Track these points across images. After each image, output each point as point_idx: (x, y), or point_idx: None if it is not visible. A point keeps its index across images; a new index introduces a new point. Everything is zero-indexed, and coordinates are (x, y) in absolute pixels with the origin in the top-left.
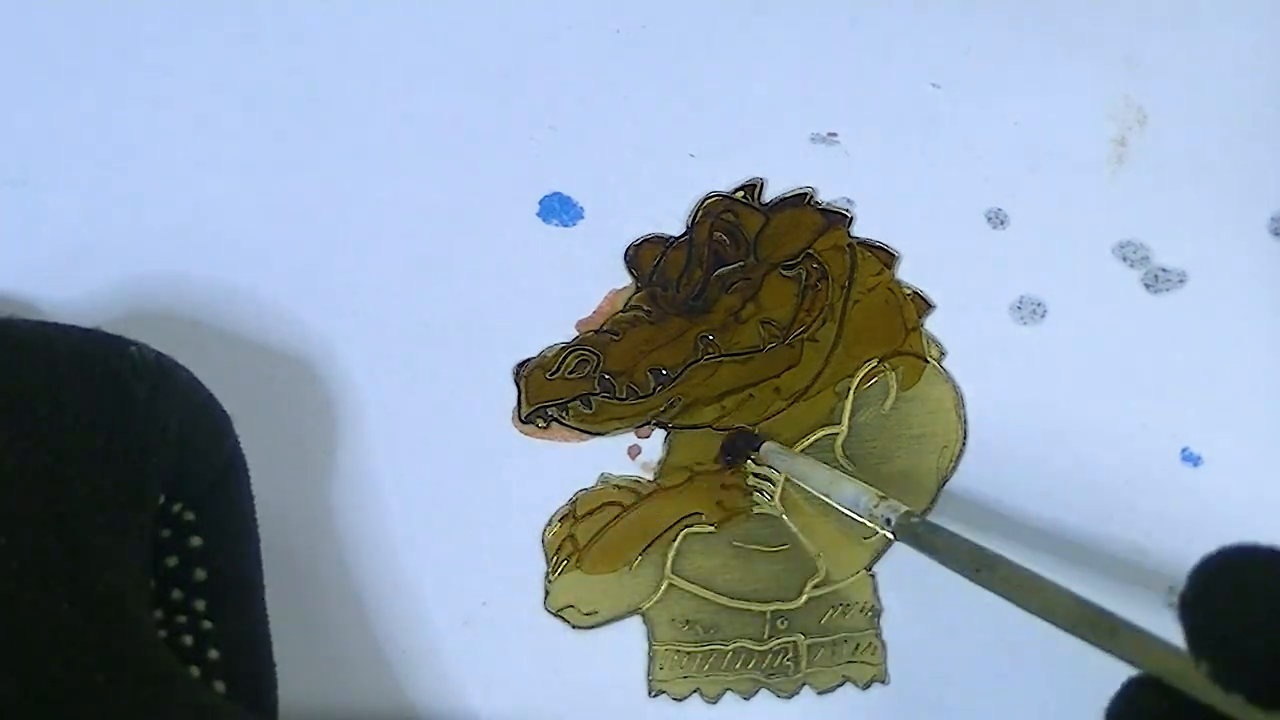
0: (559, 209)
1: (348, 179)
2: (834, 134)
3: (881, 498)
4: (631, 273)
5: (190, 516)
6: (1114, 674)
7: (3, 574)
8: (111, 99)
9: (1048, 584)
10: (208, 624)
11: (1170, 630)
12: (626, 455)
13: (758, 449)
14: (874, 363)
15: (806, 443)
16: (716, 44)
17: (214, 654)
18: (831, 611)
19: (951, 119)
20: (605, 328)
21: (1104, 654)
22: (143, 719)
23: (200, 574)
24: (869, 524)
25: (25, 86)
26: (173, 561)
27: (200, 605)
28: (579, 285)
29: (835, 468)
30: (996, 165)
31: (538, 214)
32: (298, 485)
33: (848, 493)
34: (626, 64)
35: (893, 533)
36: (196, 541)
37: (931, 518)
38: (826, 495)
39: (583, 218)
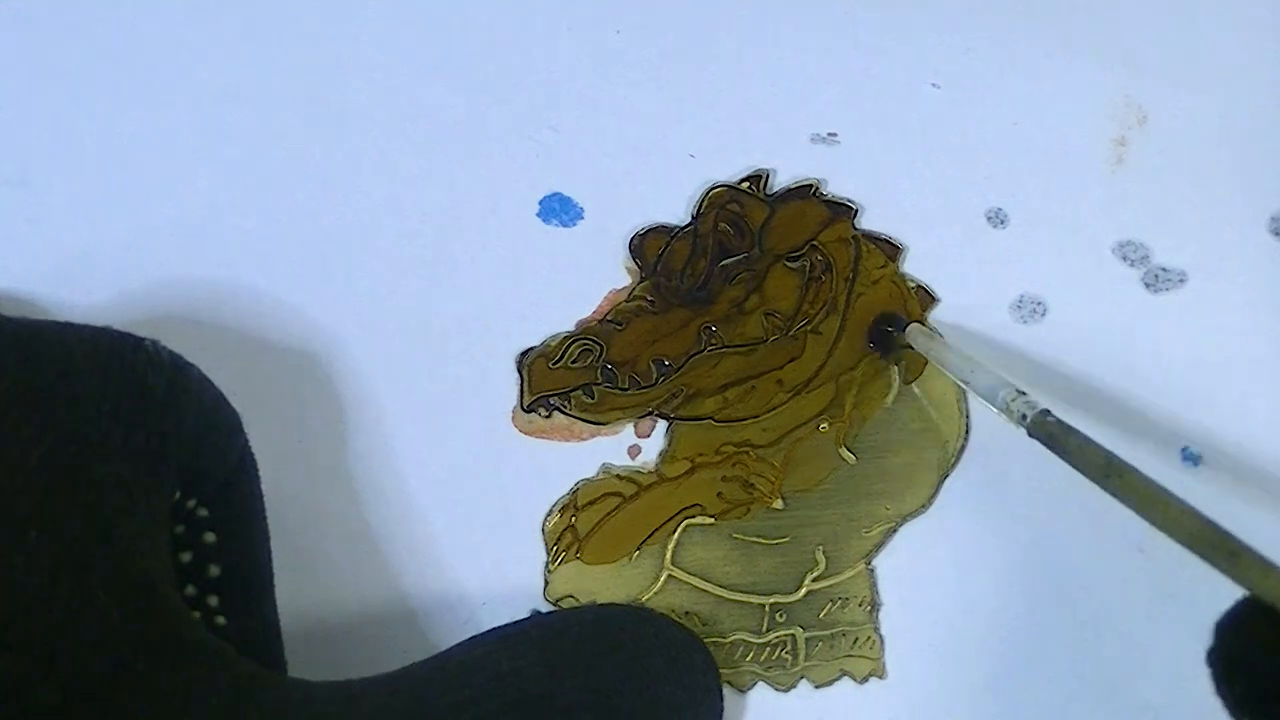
0: (559, 209)
1: (347, 179)
2: (834, 134)
3: (1020, 393)
4: (636, 262)
5: (204, 513)
6: (1114, 673)
7: (37, 568)
8: (112, 99)
9: (1174, 499)
10: (221, 619)
11: None
12: (627, 455)
13: (903, 329)
14: (877, 357)
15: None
16: (717, 44)
17: (231, 650)
18: (830, 605)
19: (951, 119)
20: (609, 318)
21: (1108, 654)
22: (185, 698)
23: (214, 570)
24: (1002, 415)
25: (25, 86)
26: (187, 557)
27: (214, 601)
28: (579, 285)
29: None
30: (996, 165)
31: (538, 214)
32: (298, 484)
33: (985, 383)
34: (626, 64)
35: (1027, 429)
36: (210, 538)
37: (931, 514)
38: (966, 383)
39: (583, 218)
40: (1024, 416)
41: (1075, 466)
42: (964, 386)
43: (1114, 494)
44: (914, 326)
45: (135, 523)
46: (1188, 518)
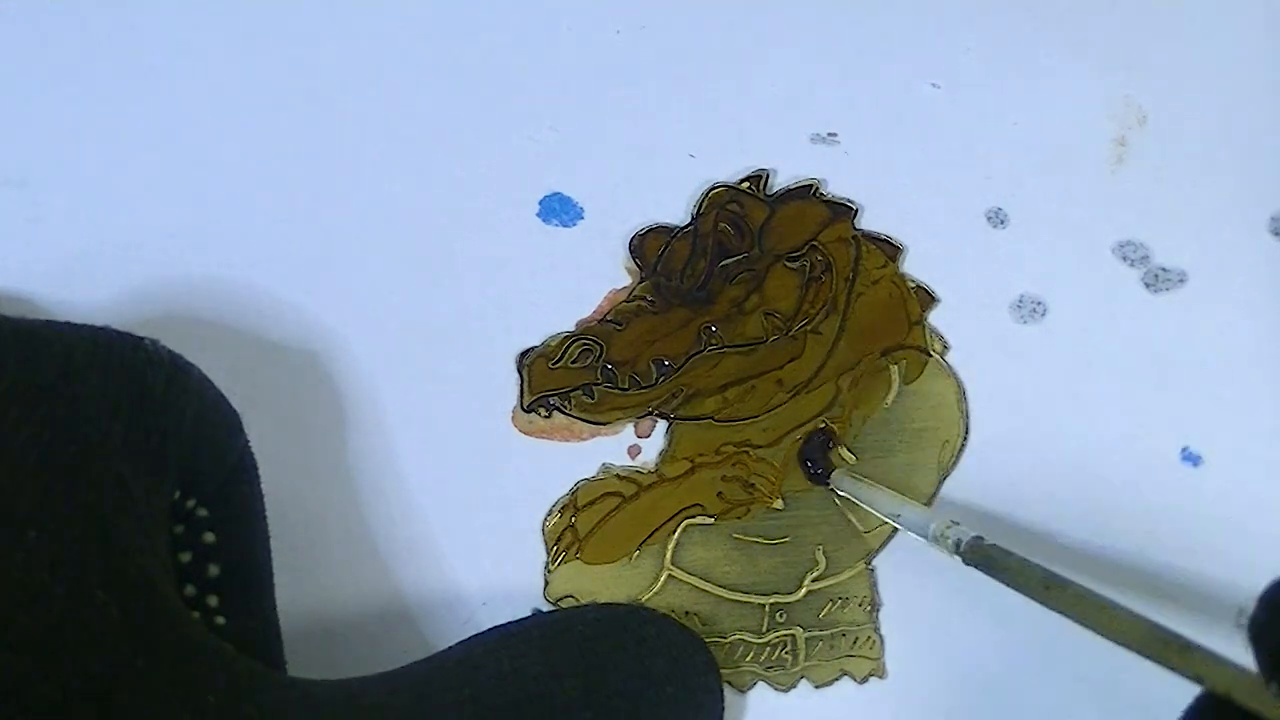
0: (559, 209)
1: (347, 179)
2: (834, 134)
3: (952, 523)
4: (636, 262)
5: (204, 513)
6: (1114, 673)
7: (36, 568)
8: (112, 99)
9: (1118, 607)
10: (221, 619)
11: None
12: (627, 455)
13: (828, 477)
14: (877, 356)
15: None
16: (716, 44)
17: (230, 649)
18: (830, 605)
19: (951, 119)
20: (609, 318)
21: (1108, 654)
22: (183, 697)
23: (214, 570)
24: (938, 549)
25: (25, 86)
26: (186, 557)
27: (213, 601)
28: (579, 285)
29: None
30: (996, 165)
31: (538, 214)
32: (298, 484)
33: (914, 518)
34: (626, 64)
35: (962, 557)
36: (210, 538)
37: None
38: (895, 520)
39: (583, 218)
40: (958, 544)
41: (1013, 586)
42: (894, 524)
43: (1054, 608)
44: (838, 472)
45: (134, 522)
46: (1134, 624)
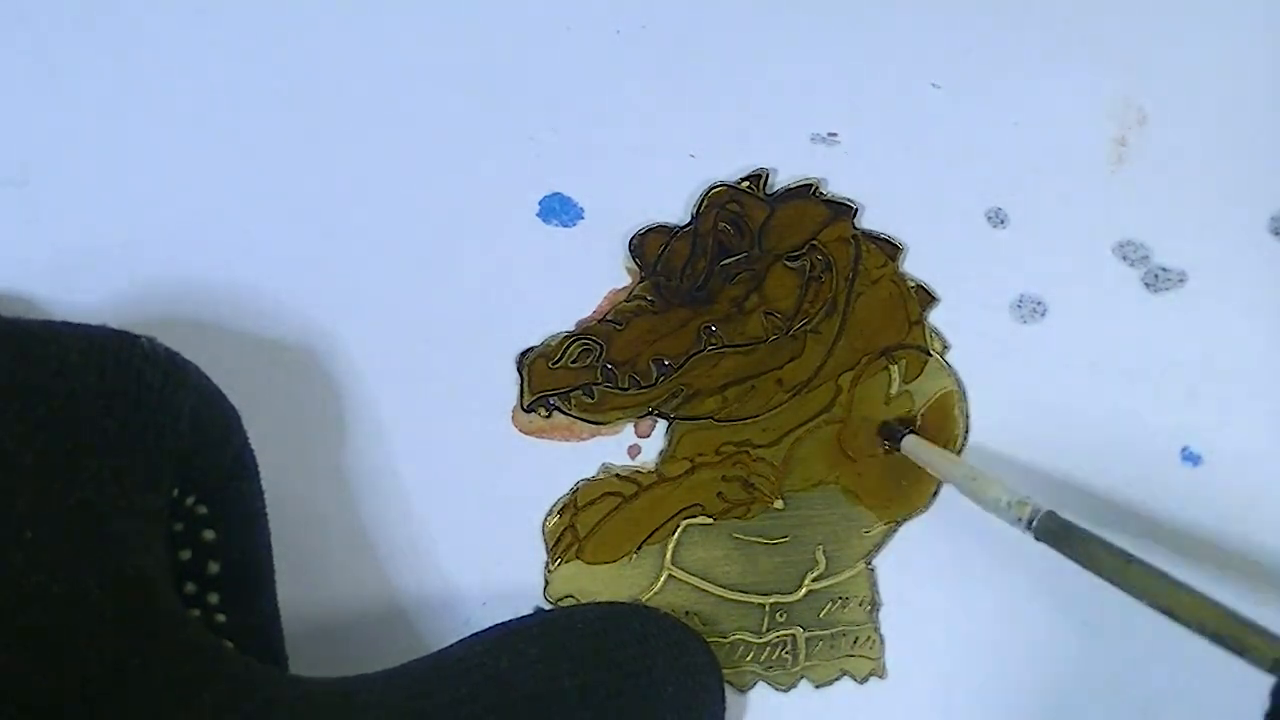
0: (559, 209)
1: (347, 179)
2: (834, 134)
3: (1022, 501)
4: (635, 261)
5: (203, 510)
6: (1114, 673)
7: (34, 568)
8: (112, 99)
9: (1185, 588)
10: (221, 616)
11: None
12: (627, 455)
13: (899, 441)
14: (877, 356)
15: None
16: (716, 44)
17: (228, 647)
18: (830, 605)
19: (951, 119)
20: (609, 317)
21: (1108, 653)
22: (181, 695)
23: (214, 567)
24: (1007, 522)
25: (25, 86)
26: (186, 555)
27: (214, 599)
28: (579, 285)
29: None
30: (996, 165)
31: (538, 214)
32: (298, 484)
33: (989, 492)
34: (626, 64)
35: (1034, 534)
36: (210, 535)
37: (931, 514)
38: (970, 494)
39: (583, 218)
40: (1030, 523)
41: (1084, 565)
42: (967, 496)
43: (1125, 588)
44: (909, 438)
45: (131, 520)
46: (1203, 605)
